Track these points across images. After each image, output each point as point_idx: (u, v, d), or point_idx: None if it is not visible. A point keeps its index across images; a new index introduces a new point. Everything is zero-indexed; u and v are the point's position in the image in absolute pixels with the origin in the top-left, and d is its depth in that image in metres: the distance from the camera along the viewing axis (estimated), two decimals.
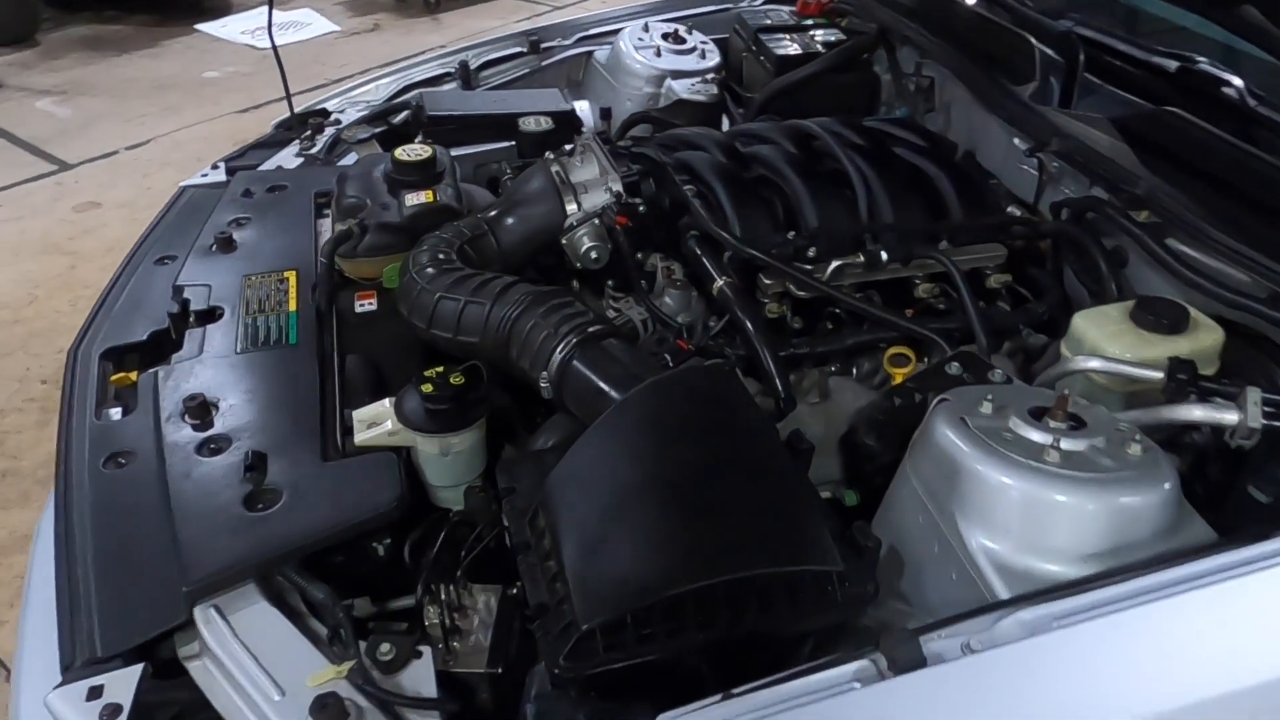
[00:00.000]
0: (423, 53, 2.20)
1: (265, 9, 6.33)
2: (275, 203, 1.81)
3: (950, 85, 1.83)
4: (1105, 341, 1.22)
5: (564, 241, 1.43)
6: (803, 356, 1.37)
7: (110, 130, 4.82)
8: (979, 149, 1.75)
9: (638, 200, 1.45)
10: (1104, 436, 1.03)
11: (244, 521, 1.12)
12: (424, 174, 1.68)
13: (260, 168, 2.01)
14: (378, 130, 2.14)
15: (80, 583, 1.09)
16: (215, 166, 2.04)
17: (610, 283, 1.48)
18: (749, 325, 1.30)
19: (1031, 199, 1.62)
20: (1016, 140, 1.61)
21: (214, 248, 1.66)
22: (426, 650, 1.03)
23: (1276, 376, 1.23)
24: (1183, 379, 1.11)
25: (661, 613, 0.93)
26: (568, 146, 1.65)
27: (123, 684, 0.98)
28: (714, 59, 2.20)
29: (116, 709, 0.95)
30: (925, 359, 1.42)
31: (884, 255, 1.40)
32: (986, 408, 1.08)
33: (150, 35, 6.14)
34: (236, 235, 1.69)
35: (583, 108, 2.30)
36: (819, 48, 2.12)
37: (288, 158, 2.05)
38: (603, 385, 1.18)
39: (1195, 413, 1.09)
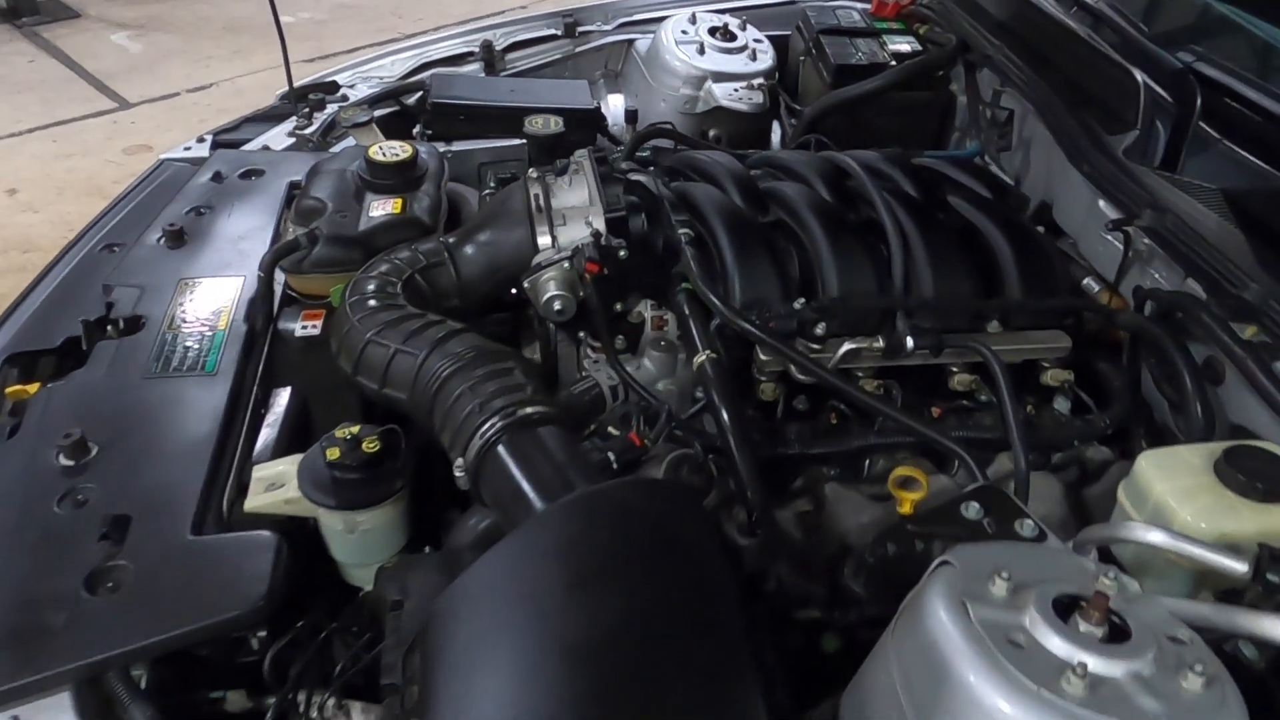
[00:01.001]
0: (477, 18, 1.97)
1: None
2: (244, 191, 1.62)
3: (1032, 121, 1.52)
4: (1177, 500, 0.94)
5: (525, 285, 1.20)
6: (792, 459, 1.12)
7: (176, 70, 4.74)
8: (1057, 204, 1.46)
9: (619, 242, 1.20)
10: (1152, 656, 0.76)
11: (79, 606, 0.93)
12: (399, 177, 1.46)
13: (245, 147, 1.82)
14: (381, 113, 1.93)
15: None
16: (202, 140, 1.87)
17: (581, 334, 1.25)
18: (724, 416, 1.05)
19: (1113, 276, 1.32)
20: (1102, 203, 1.31)
21: (161, 240, 1.48)
22: None
23: None
24: (1274, 581, 0.83)
25: None
26: (561, 162, 1.41)
27: None
28: (766, 62, 1.92)
29: None
30: (954, 471, 1.16)
31: (909, 342, 1.13)
32: (999, 588, 0.81)
33: None
34: (190, 228, 1.51)
35: (618, 104, 2.05)
36: (886, 58, 1.82)
37: (279, 136, 1.86)
38: (524, 487, 0.95)
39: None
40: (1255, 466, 0.94)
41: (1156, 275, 1.22)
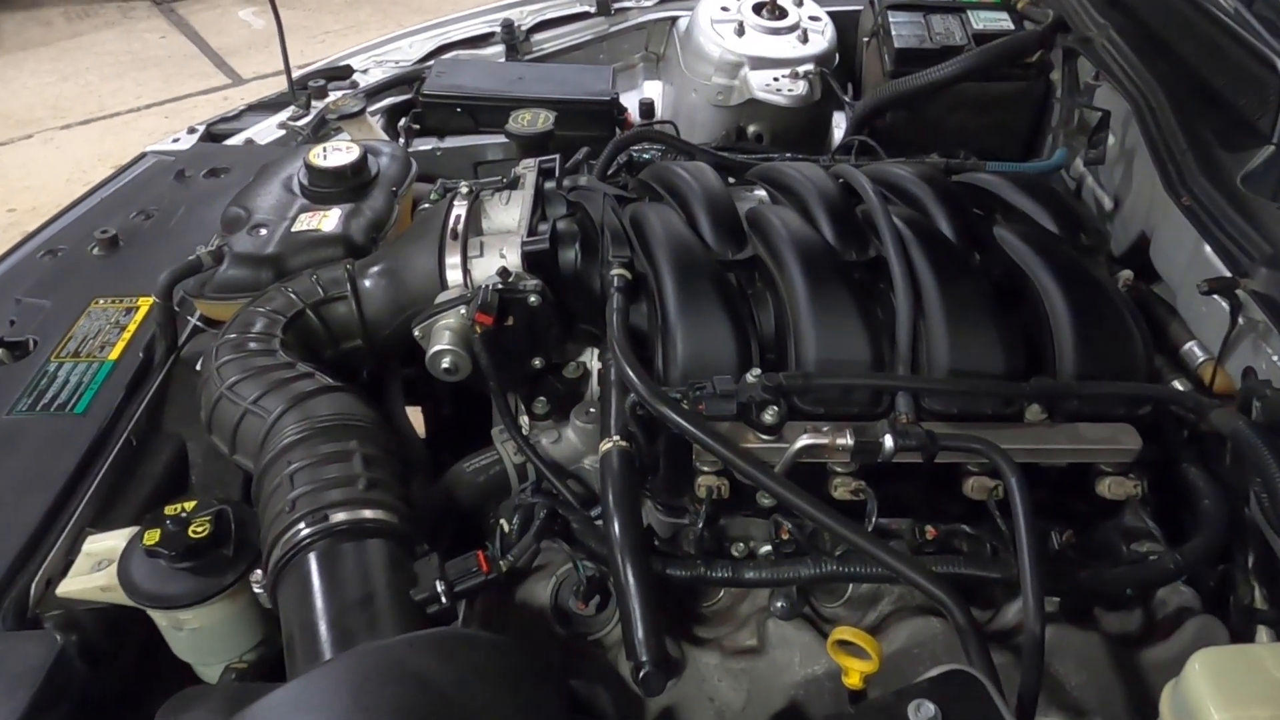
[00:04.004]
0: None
1: None
2: (204, 193, 1.46)
3: (1135, 128, 1.15)
4: None
5: (416, 333, 0.97)
6: (711, 582, 0.85)
7: (292, 46, 4.74)
8: (1155, 242, 1.09)
9: (534, 284, 0.95)
10: None
11: None
12: (342, 184, 1.26)
13: (230, 140, 1.67)
14: (390, 101, 1.74)
15: None
16: (193, 130, 1.74)
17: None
18: (615, 529, 0.79)
19: (1217, 346, 0.96)
20: (1208, 249, 0.95)
21: (94, 248, 1.34)
22: None
23: None
24: None
25: None
26: (521, 169, 1.17)
27: None
28: (820, 45, 1.60)
29: None
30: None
31: (889, 442, 0.83)
32: None
33: None
34: (129, 235, 1.36)
35: (658, 93, 1.79)
36: (965, 41, 1.47)
37: (270, 128, 1.71)
38: (317, 620, 0.73)
39: None
40: None
41: (1276, 359, 0.86)
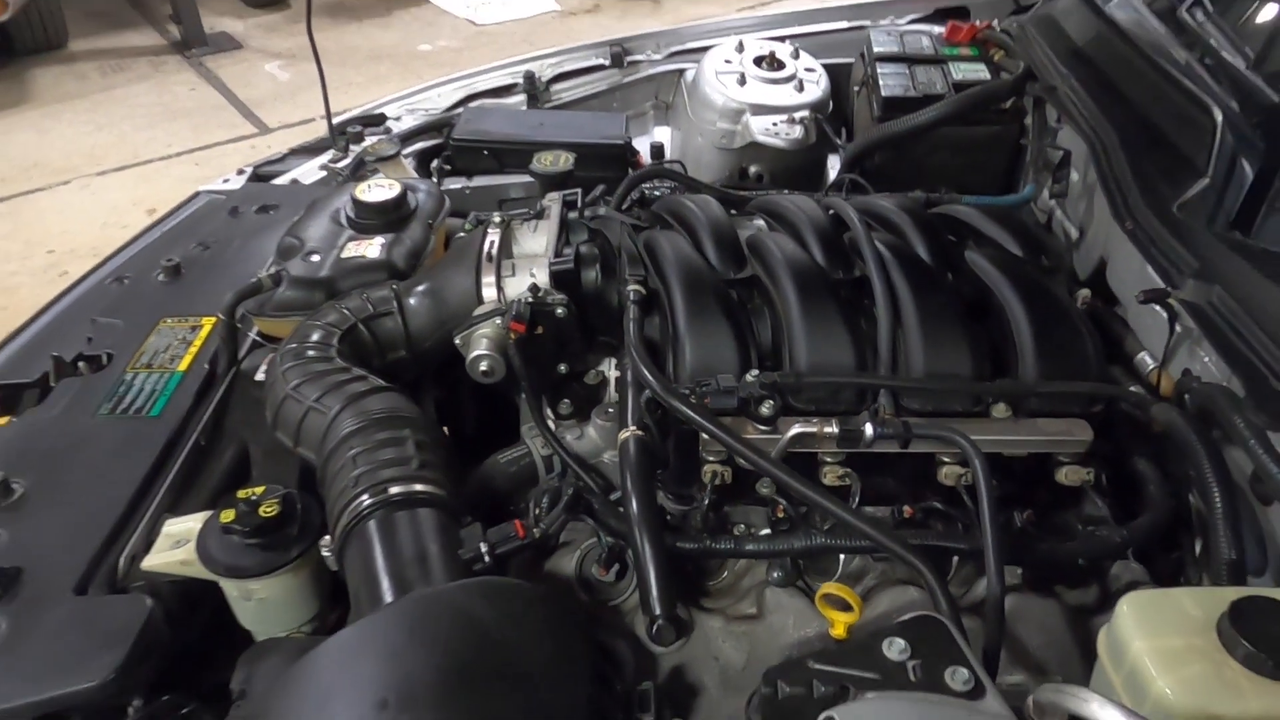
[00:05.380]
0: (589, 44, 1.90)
1: None
2: (255, 227, 1.61)
3: (1093, 167, 1.29)
4: (1158, 665, 0.73)
5: (457, 341, 1.11)
6: (720, 555, 0.97)
7: (317, 97, 4.95)
8: (1110, 265, 1.23)
9: (559, 298, 1.09)
10: None
11: None
12: (384, 217, 1.41)
13: (276, 180, 1.83)
14: (422, 145, 1.90)
15: None
16: (241, 172, 1.90)
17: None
18: (633, 505, 0.92)
19: (1162, 355, 1.09)
20: (1150, 269, 1.09)
21: (159, 275, 1.48)
22: None
23: None
24: None
25: None
26: (547, 201, 1.32)
27: None
28: (815, 93, 1.76)
29: None
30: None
31: (869, 430, 0.96)
32: None
33: (386, 4, 6.34)
34: (190, 263, 1.51)
35: (667, 137, 1.95)
36: (945, 89, 1.62)
37: (312, 170, 1.86)
38: (379, 575, 0.86)
39: None
40: (1273, 629, 0.72)
41: (1206, 360, 0.99)
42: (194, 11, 5.58)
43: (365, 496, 0.90)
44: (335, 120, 2.00)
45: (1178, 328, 1.03)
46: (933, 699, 0.74)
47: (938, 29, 1.86)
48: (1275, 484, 0.80)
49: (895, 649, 0.79)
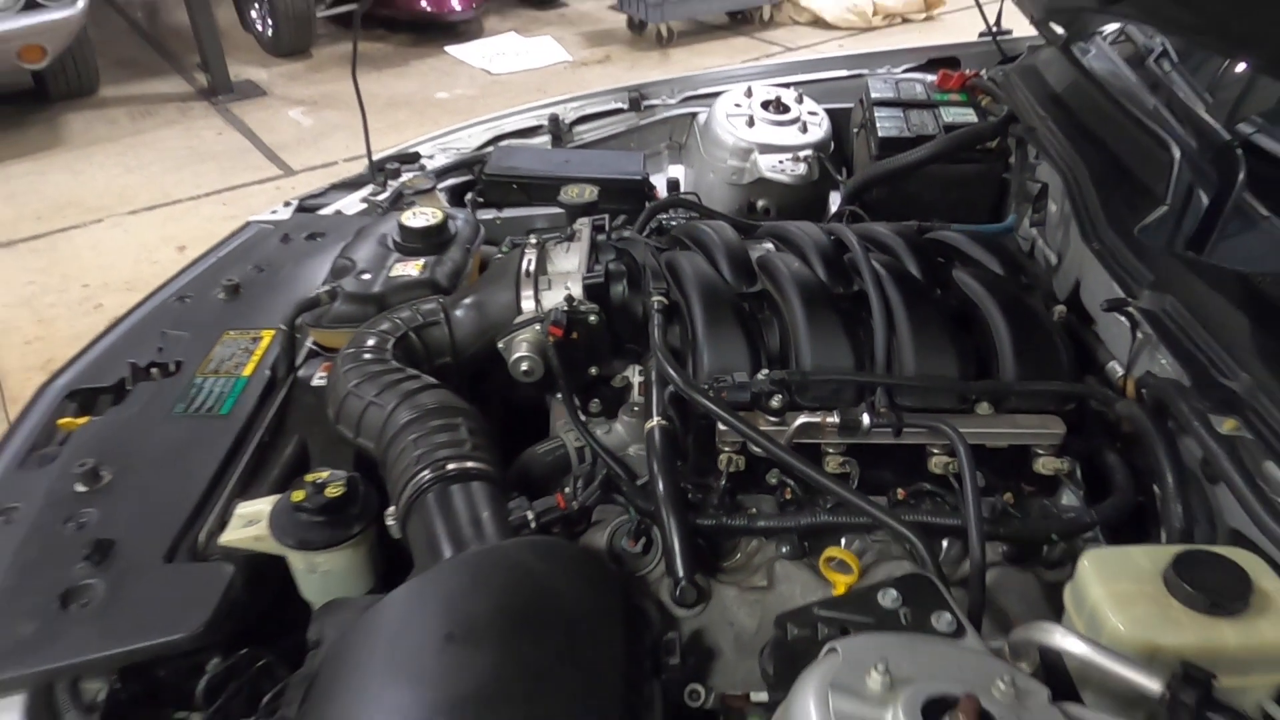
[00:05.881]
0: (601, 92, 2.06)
1: (510, 35, 6.63)
2: (306, 251, 1.76)
3: (1064, 197, 1.44)
4: (1111, 606, 0.86)
5: (500, 346, 1.25)
6: (735, 531, 1.10)
7: (338, 142, 5.20)
8: (1083, 284, 1.37)
9: (591, 307, 1.23)
10: None
11: (50, 619, 1.03)
12: (427, 241, 1.56)
13: (321, 211, 1.99)
14: (454, 181, 2.06)
15: None
16: (288, 204, 2.05)
17: (558, 396, 1.28)
18: (659, 484, 1.05)
19: (1127, 361, 1.23)
20: (1114, 283, 1.23)
21: (220, 294, 1.63)
22: None
23: None
24: (1185, 703, 0.74)
25: None
26: (577, 226, 1.47)
27: None
28: (817, 134, 1.92)
29: None
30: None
31: (866, 419, 1.09)
32: (875, 681, 0.77)
33: (404, 55, 6.60)
34: (248, 283, 1.65)
35: (680, 174, 2.10)
36: (936, 130, 1.78)
37: (354, 202, 2.02)
38: (439, 537, 0.99)
39: None
40: (1208, 576, 0.85)
41: (1163, 362, 1.13)
42: (221, 60, 5.82)
43: (426, 472, 1.03)
44: (375, 158, 2.15)
45: (1139, 334, 1.16)
46: (920, 637, 0.87)
47: (930, 77, 2.03)
48: (1217, 461, 0.93)
49: (889, 598, 0.91)
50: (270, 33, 6.48)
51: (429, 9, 6.65)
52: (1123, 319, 1.18)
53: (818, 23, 6.93)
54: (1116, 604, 0.86)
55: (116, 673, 1.04)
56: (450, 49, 6.64)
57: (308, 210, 2.01)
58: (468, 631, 0.85)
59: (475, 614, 0.87)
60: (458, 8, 6.72)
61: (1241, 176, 1.27)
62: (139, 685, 1.07)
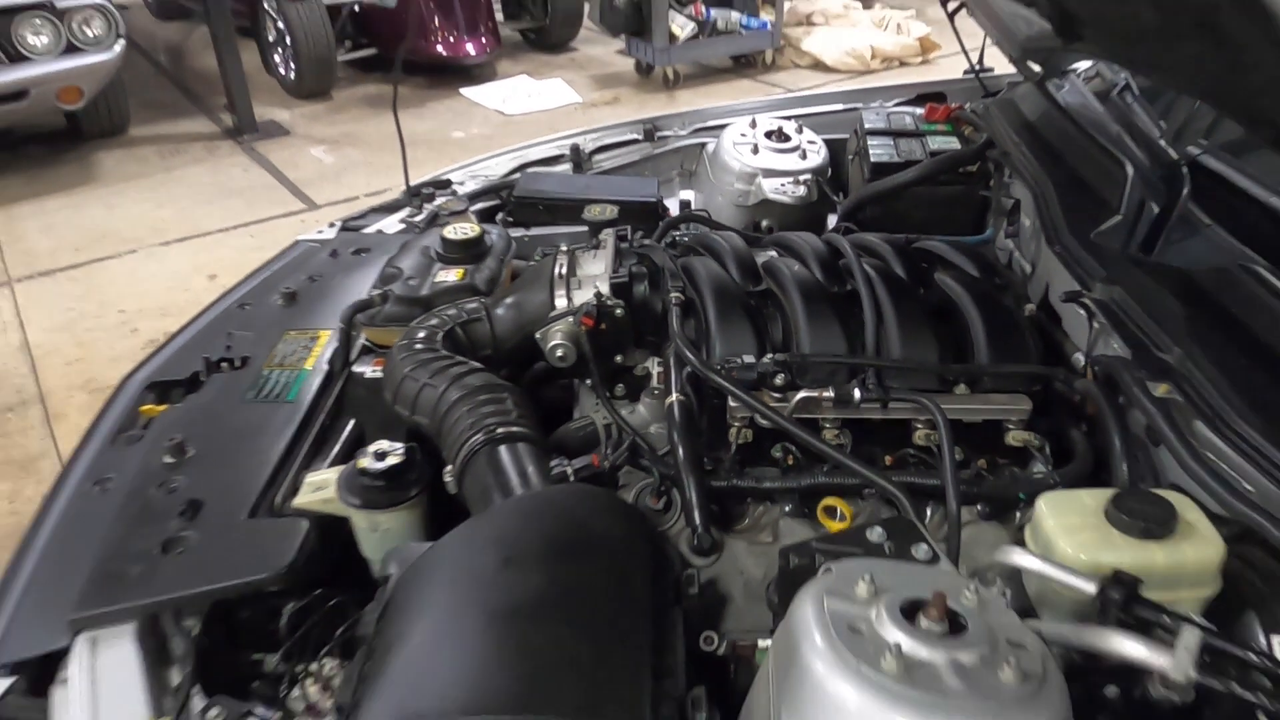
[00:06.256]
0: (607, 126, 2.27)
1: (522, 78, 6.89)
2: (353, 264, 1.95)
3: (1035, 212, 1.63)
4: (1062, 535, 1.02)
5: (537, 336, 1.42)
6: (744, 492, 1.27)
7: (359, 178, 5.43)
8: (1051, 286, 1.55)
9: (618, 302, 1.41)
10: (978, 650, 0.86)
11: (153, 562, 1.20)
12: (467, 252, 1.74)
13: (364, 230, 2.18)
14: (483, 205, 2.25)
15: (11, 587, 1.22)
16: (333, 225, 2.24)
17: (587, 382, 1.46)
18: (679, 449, 1.22)
19: (1086, 348, 1.40)
20: (1073, 280, 1.40)
21: (278, 300, 1.81)
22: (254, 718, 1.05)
23: None
24: (1115, 597, 0.90)
25: None
26: (603, 236, 1.65)
27: None
28: (815, 160, 2.11)
29: None
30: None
31: (856, 394, 1.26)
32: (862, 589, 0.93)
33: (421, 97, 6.87)
34: (303, 291, 1.84)
35: (690, 198, 2.29)
36: (924, 156, 1.97)
37: (393, 223, 2.21)
38: (491, 490, 1.16)
39: (1117, 643, 0.88)
40: (1141, 509, 1.01)
41: (1115, 347, 1.30)
42: (247, 101, 6.09)
43: (478, 436, 1.20)
44: (413, 184, 2.35)
45: (1095, 324, 1.34)
46: (901, 562, 1.03)
47: (919, 110, 2.23)
48: (1153, 419, 1.10)
49: (875, 534, 1.08)
50: (293, 76, 6.76)
51: (445, 53, 6.93)
52: (1080, 310, 1.36)
53: (818, 66, 7.20)
54: (1065, 532, 1.02)
55: (202, 619, 1.20)
56: (465, 91, 6.91)
57: (351, 230, 2.20)
58: (521, 557, 1.02)
59: (526, 543, 1.04)
60: (473, 52, 7.00)
61: (1186, 190, 1.44)
62: (223, 629, 1.23)
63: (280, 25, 6.59)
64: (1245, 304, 1.18)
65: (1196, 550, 0.99)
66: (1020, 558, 0.98)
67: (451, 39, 6.94)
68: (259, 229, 4.83)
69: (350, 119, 6.47)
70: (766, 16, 7.04)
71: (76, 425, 3.33)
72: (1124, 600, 0.90)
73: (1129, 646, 0.88)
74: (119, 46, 5.26)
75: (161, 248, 4.66)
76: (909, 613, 0.89)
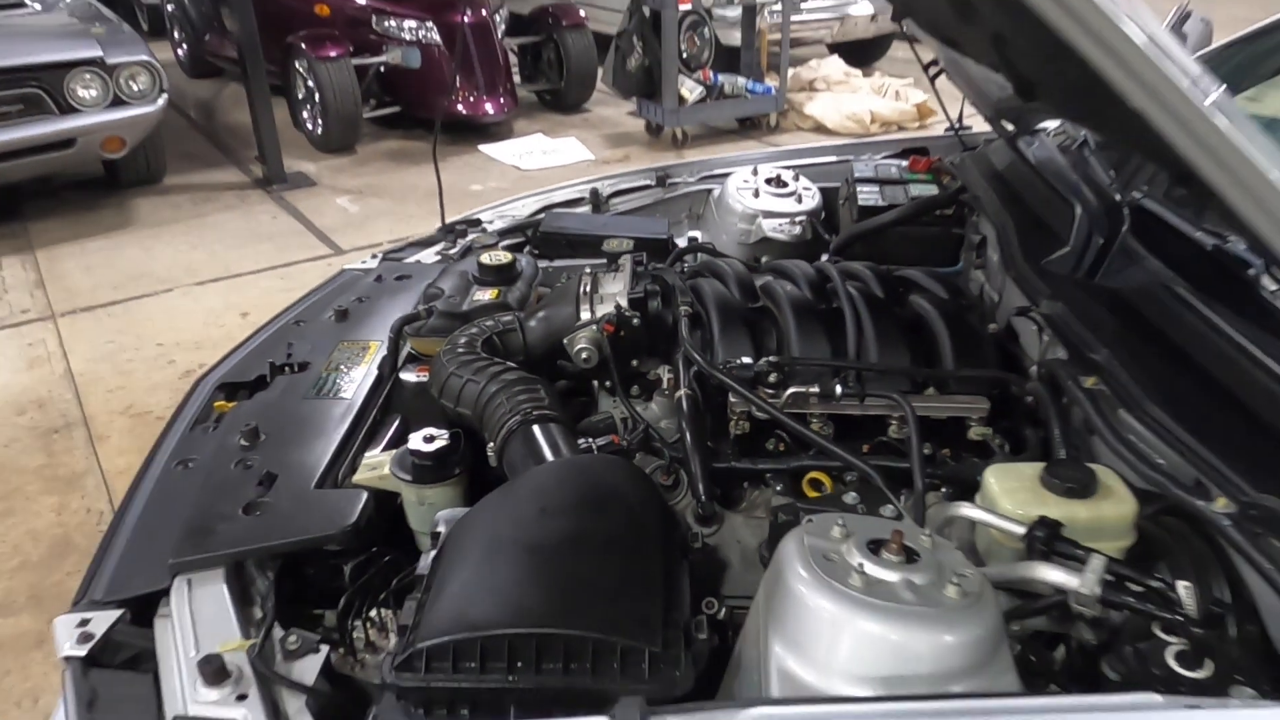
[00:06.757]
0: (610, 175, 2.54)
1: (538, 136, 7.22)
2: (396, 289, 2.19)
3: (994, 243, 1.86)
4: (1003, 496, 1.23)
5: (565, 341, 1.65)
6: (741, 472, 1.48)
7: (382, 226, 5.72)
8: (1014, 308, 1.77)
9: (635, 314, 1.64)
10: (928, 575, 1.06)
11: (236, 521, 1.41)
12: (500, 276, 1.98)
13: (404, 261, 2.42)
14: (510, 242, 2.50)
15: (116, 542, 1.43)
16: (374, 256, 2.49)
17: (608, 384, 1.68)
18: (688, 434, 1.44)
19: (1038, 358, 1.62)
20: (1027, 301, 1.63)
21: (332, 317, 2.05)
22: (324, 649, 1.24)
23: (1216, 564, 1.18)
24: (1038, 535, 1.11)
25: (480, 649, 1.09)
26: (621, 261, 1.89)
27: (102, 622, 1.28)
28: (810, 203, 2.36)
29: (89, 637, 1.25)
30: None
31: (838, 389, 1.48)
32: (836, 532, 1.14)
33: (442, 152, 7.19)
34: (353, 310, 2.07)
35: (698, 236, 2.54)
36: (905, 201, 2.22)
37: (429, 255, 2.45)
38: (528, 459, 1.37)
39: (1039, 571, 1.09)
40: (1069, 474, 1.22)
41: (1060, 353, 1.52)
42: (277, 153, 6.41)
43: (516, 418, 1.42)
44: (446, 222, 2.60)
45: (1044, 337, 1.56)
46: (870, 516, 1.24)
47: (904, 162, 2.48)
48: (1083, 405, 1.31)
49: (850, 498, 1.30)
50: (320, 131, 7.11)
51: (465, 112, 7.29)
52: (1030, 324, 1.59)
53: (820, 129, 7.53)
54: (1005, 493, 1.23)
55: (274, 572, 1.40)
56: (483, 147, 7.25)
57: (393, 260, 2.44)
58: (556, 508, 1.23)
59: (560, 497, 1.25)
60: (491, 111, 7.37)
61: (1125, 227, 1.68)
62: (291, 585, 1.43)
63: (310, 83, 6.96)
64: (1163, 316, 1.41)
65: (1114, 507, 1.20)
66: (967, 510, 1.19)
67: (472, 99, 7.30)
68: (287, 271, 5.09)
69: (373, 171, 6.80)
70: (771, 82, 7.40)
71: (118, 446, 3.55)
72: (1047, 538, 1.11)
73: (1049, 573, 1.08)
74: (162, 100, 5.60)
75: (196, 287, 4.92)
76: (874, 548, 1.11)
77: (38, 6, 6.19)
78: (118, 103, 5.43)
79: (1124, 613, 1.07)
